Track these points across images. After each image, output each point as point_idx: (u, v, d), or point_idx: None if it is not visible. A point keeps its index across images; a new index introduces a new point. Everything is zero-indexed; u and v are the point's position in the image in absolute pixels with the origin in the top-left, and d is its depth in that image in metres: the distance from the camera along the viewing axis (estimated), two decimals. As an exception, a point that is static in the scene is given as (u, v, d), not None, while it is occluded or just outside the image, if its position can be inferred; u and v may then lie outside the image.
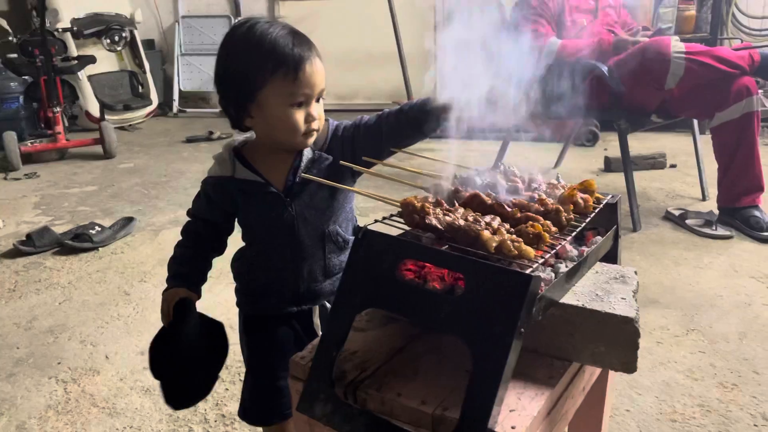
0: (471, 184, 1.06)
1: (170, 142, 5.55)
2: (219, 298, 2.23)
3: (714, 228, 2.91)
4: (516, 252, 0.84)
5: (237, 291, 1.28)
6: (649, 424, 1.63)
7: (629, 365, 0.90)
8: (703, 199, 3.44)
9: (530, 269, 0.82)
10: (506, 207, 0.95)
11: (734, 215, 2.96)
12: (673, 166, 4.09)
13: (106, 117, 5.46)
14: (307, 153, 1.19)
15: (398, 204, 0.96)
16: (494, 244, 0.85)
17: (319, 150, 1.19)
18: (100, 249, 2.99)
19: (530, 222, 0.90)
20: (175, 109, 6.85)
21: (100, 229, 3.07)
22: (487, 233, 0.86)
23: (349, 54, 6.04)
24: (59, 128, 4.81)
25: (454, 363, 0.94)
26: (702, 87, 2.84)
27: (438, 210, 0.93)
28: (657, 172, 4.04)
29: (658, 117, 3.10)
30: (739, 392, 1.75)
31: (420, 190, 1.10)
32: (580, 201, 1.01)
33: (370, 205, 3.38)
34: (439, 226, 0.89)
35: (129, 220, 3.24)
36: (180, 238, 1.27)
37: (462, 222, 0.90)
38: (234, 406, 1.72)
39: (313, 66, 1.11)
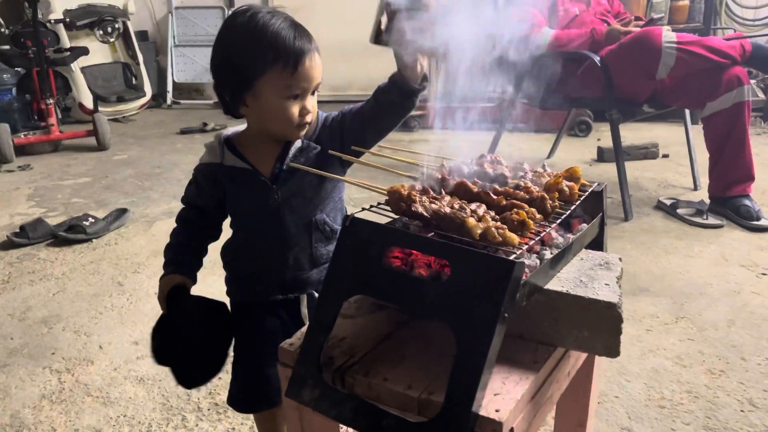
0: (459, 173, 1.07)
1: (164, 134, 5.54)
2: (212, 289, 2.23)
3: (705, 217, 2.93)
4: (500, 239, 0.85)
5: (226, 279, 1.30)
6: (637, 410, 1.66)
7: (612, 350, 0.92)
8: (695, 188, 3.46)
9: (514, 255, 0.83)
10: (492, 195, 0.96)
11: (725, 204, 2.98)
12: (665, 156, 4.11)
13: (100, 109, 5.45)
14: (297, 142, 1.20)
15: (386, 190, 0.97)
16: (479, 231, 0.86)
17: (308, 139, 1.20)
18: (93, 240, 3.00)
19: (515, 209, 0.91)
20: (168, 101, 6.83)
21: (93, 220, 3.07)
22: (472, 220, 0.87)
23: (344, 44, 6.01)
24: (52, 120, 4.80)
25: (440, 349, 0.95)
26: (693, 77, 2.86)
27: (424, 198, 0.94)
28: (649, 162, 4.06)
29: (650, 107, 3.11)
30: (726, 378, 1.78)
31: (410, 179, 1.11)
32: (566, 189, 1.02)
33: (363, 196, 3.39)
34: (425, 214, 0.90)
35: (123, 212, 3.25)
36: (175, 225, 1.29)
37: (448, 209, 0.91)
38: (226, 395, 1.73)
39: (313, 60, 1.12)
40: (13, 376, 1.91)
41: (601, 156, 4.04)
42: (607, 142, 3.79)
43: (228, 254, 1.28)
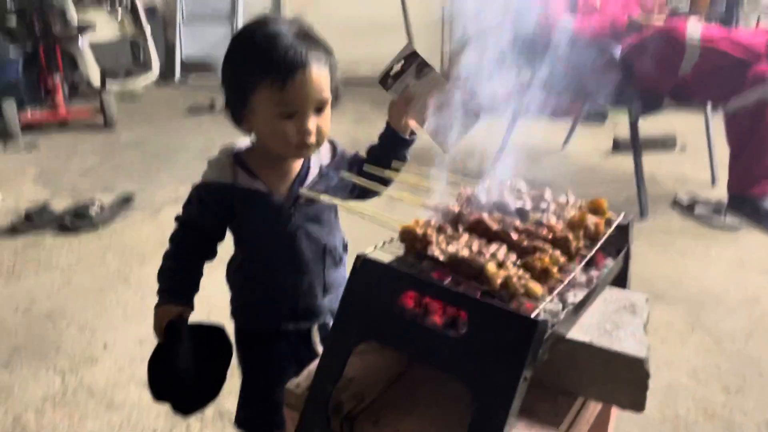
0: (476, 204, 1.01)
1: (172, 113, 5.46)
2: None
3: (723, 218, 2.86)
4: (522, 290, 0.80)
5: (233, 302, 1.24)
6: (651, 429, 1.61)
7: (638, 405, 0.87)
8: (713, 184, 3.37)
9: (537, 310, 0.78)
10: (512, 235, 0.91)
11: (744, 204, 2.90)
12: (683, 147, 4.01)
13: (107, 85, 5.37)
14: (314, 167, 1.15)
15: (399, 228, 0.92)
16: (499, 280, 0.81)
17: (327, 165, 1.16)
18: (99, 228, 2.96)
19: (538, 254, 0.86)
20: (177, 78, 6.74)
21: (100, 207, 3.03)
22: (492, 267, 0.82)
23: (353, 22, 5.90)
24: (59, 97, 4.73)
25: (453, 392, 0.90)
26: (717, 72, 2.76)
27: (441, 238, 0.88)
28: (666, 154, 3.96)
29: (672, 100, 3.02)
30: (743, 397, 1.73)
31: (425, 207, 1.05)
32: (591, 226, 0.96)
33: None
34: (441, 258, 0.84)
35: (129, 198, 3.20)
36: (168, 246, 1.18)
37: (466, 252, 0.85)
38: (231, 403, 1.69)
39: (307, 75, 1.02)
40: (16, 376, 1.89)
41: (617, 146, 3.94)
42: (624, 130, 3.69)
43: (236, 277, 1.21)
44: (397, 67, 1.17)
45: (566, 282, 0.85)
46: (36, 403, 1.77)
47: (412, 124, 1.22)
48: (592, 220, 0.97)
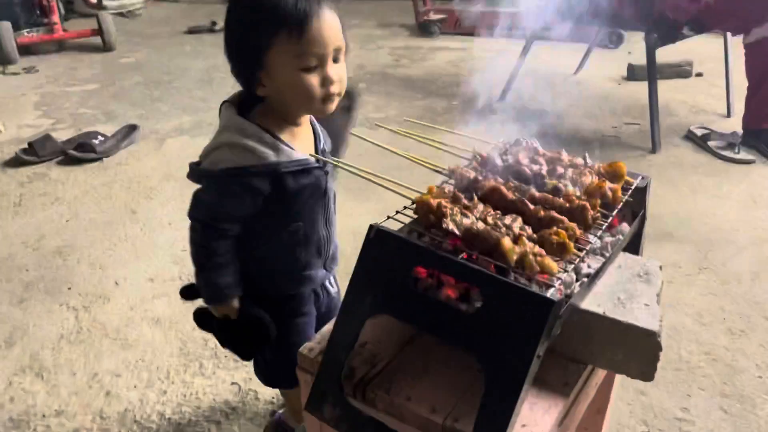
0: (492, 167, 0.99)
1: (172, 33, 5.31)
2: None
3: (736, 151, 2.81)
4: (538, 268, 0.79)
5: (263, 277, 1.17)
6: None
7: (647, 374, 0.88)
8: (728, 115, 3.29)
9: (552, 290, 0.77)
10: (528, 204, 0.88)
11: (759, 137, 2.84)
12: (699, 74, 3.89)
13: (104, 2, 5.20)
14: (320, 128, 1.15)
15: (413, 199, 0.89)
16: (515, 257, 0.79)
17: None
18: (104, 159, 2.94)
19: (554, 228, 0.84)
20: (176, -7, 6.50)
21: (103, 138, 3.00)
22: (507, 242, 0.80)
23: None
24: (55, 18, 4.59)
25: (465, 357, 0.91)
26: (741, 1, 2.63)
27: (455, 209, 0.86)
28: (682, 81, 3.85)
29: (691, 30, 2.90)
30: (747, 339, 1.75)
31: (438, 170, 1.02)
32: (608, 193, 0.93)
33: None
34: (456, 232, 0.83)
35: (132, 128, 3.16)
36: (215, 241, 1.07)
37: (481, 225, 0.83)
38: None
39: (322, 21, 0.98)
40: (30, 313, 1.92)
41: (632, 74, 3.83)
42: (639, 55, 3.57)
43: (273, 255, 1.15)
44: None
45: (582, 255, 0.84)
46: (52, 340, 1.81)
47: None
48: (609, 186, 0.94)
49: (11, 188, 2.70)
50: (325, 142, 1.15)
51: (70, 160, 2.93)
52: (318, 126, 1.16)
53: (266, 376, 1.31)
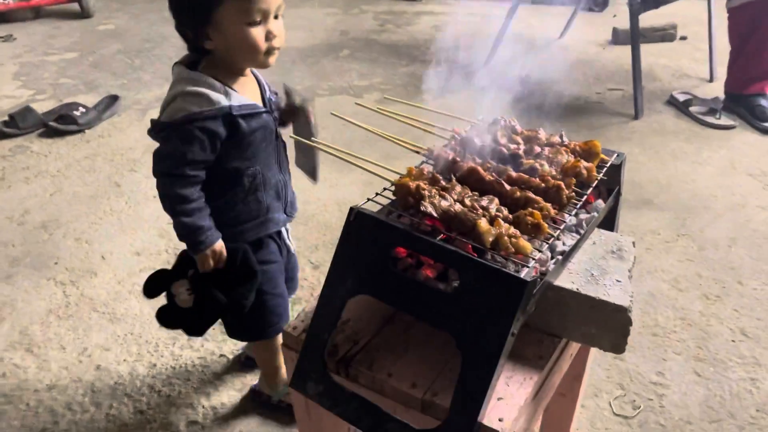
0: (470, 147, 1.00)
1: (150, -2, 5.19)
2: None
3: (718, 116, 2.83)
4: (513, 249, 0.81)
5: (224, 221, 1.21)
6: (631, 338, 1.68)
7: (619, 347, 0.91)
8: (711, 80, 3.31)
9: (527, 269, 0.79)
10: (505, 185, 0.90)
11: (740, 102, 2.87)
12: (683, 38, 3.89)
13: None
14: (266, 87, 1.24)
15: (392, 181, 0.91)
16: (491, 239, 0.82)
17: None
18: (86, 131, 2.91)
19: (529, 209, 0.86)
20: (154, -44, 6.32)
21: (84, 109, 2.96)
22: (484, 224, 0.83)
23: None
24: (31, -17, 4.47)
25: (443, 334, 0.94)
26: (725, -37, 2.62)
27: (433, 191, 0.88)
28: (666, 45, 3.85)
29: (674, -6, 2.89)
30: (721, 304, 1.81)
31: (411, 153, 1.03)
32: (584, 171, 0.96)
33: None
34: (434, 214, 0.85)
35: (114, 99, 3.12)
36: (185, 189, 1.12)
37: (458, 207, 0.86)
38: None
39: None
40: (18, 288, 1.94)
41: (616, 38, 3.82)
42: (624, 19, 3.54)
43: (238, 199, 1.21)
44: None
45: (556, 235, 0.86)
46: (40, 315, 1.83)
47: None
48: (584, 165, 0.96)
49: (-7, 162, 2.68)
50: (270, 92, 1.24)
51: (51, 133, 2.90)
52: (261, 77, 1.25)
53: (239, 329, 1.38)
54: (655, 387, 1.55)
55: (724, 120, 2.82)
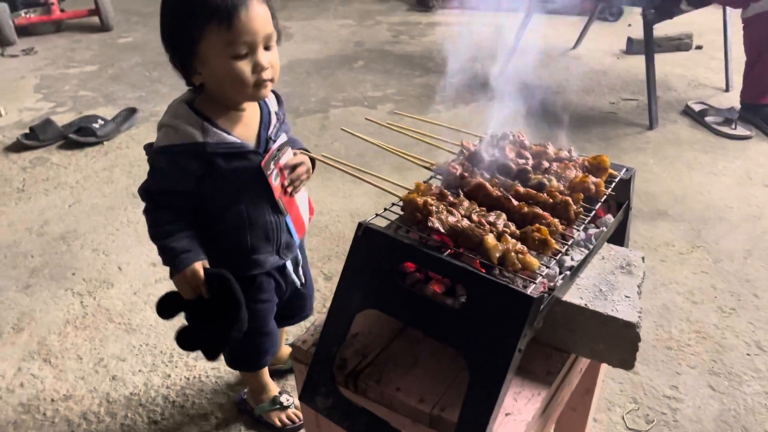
0: (479, 162, 1.01)
1: (169, 11, 5.27)
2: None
3: (733, 126, 2.81)
4: (520, 265, 0.82)
5: (217, 256, 1.19)
6: (645, 350, 1.69)
7: (627, 363, 0.91)
8: (727, 89, 3.29)
9: (533, 286, 0.80)
10: (512, 200, 0.91)
11: (756, 112, 2.85)
12: (699, 47, 3.87)
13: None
14: (273, 107, 1.20)
15: (400, 197, 0.92)
16: (498, 254, 0.83)
17: (279, 110, 1.21)
18: (105, 143, 2.96)
19: (536, 225, 0.87)
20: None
21: (103, 122, 3.01)
22: (491, 240, 0.83)
23: None
24: (51, -3, 4.57)
25: (452, 349, 0.95)
26: (740, -27, 2.61)
27: (441, 206, 0.89)
28: (681, 54, 3.83)
29: (689, 4, 2.88)
30: (737, 317, 1.79)
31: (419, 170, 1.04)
32: (592, 187, 0.96)
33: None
34: (441, 230, 0.86)
35: (132, 111, 3.17)
36: (156, 215, 1.14)
37: (465, 223, 0.86)
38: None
39: (250, 11, 1.04)
40: (36, 299, 1.97)
41: (631, 48, 3.81)
42: (638, 29, 3.54)
43: (221, 236, 1.19)
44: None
45: (564, 251, 0.87)
46: (58, 326, 1.86)
47: None
48: (593, 180, 0.97)
49: (14, 173, 2.73)
50: (276, 130, 1.18)
51: (71, 144, 2.95)
52: (272, 107, 1.20)
53: (229, 357, 1.40)
54: (668, 401, 1.54)
55: (740, 130, 2.80)
